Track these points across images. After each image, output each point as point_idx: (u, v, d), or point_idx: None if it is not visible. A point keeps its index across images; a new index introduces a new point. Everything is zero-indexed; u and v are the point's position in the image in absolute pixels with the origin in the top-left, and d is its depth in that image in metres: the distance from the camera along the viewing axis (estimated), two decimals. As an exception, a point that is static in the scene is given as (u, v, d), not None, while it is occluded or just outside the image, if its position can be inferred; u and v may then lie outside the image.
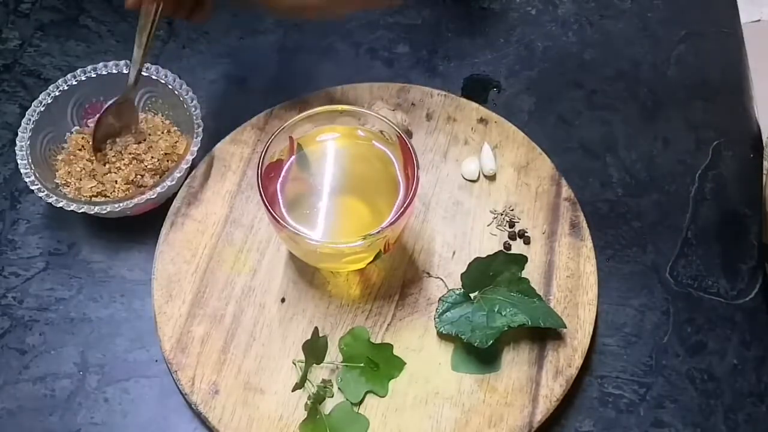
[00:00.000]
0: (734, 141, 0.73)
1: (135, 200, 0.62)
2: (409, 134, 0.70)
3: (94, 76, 0.68)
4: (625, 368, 0.62)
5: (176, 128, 0.70)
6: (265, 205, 0.55)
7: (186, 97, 0.67)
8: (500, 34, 0.80)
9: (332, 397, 0.58)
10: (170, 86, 0.67)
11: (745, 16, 0.81)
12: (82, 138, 0.68)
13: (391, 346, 0.60)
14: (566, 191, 0.68)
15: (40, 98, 0.66)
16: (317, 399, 0.58)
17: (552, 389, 0.59)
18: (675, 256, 0.67)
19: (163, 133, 0.69)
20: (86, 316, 0.64)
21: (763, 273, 0.66)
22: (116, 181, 0.66)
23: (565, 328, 0.60)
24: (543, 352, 0.60)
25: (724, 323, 0.64)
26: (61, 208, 0.62)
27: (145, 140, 0.68)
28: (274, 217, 0.55)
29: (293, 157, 0.60)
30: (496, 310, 0.59)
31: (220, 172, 0.68)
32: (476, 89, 0.76)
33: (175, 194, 0.67)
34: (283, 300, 0.63)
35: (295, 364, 0.60)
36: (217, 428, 0.57)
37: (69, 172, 0.66)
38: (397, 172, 0.60)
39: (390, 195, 0.59)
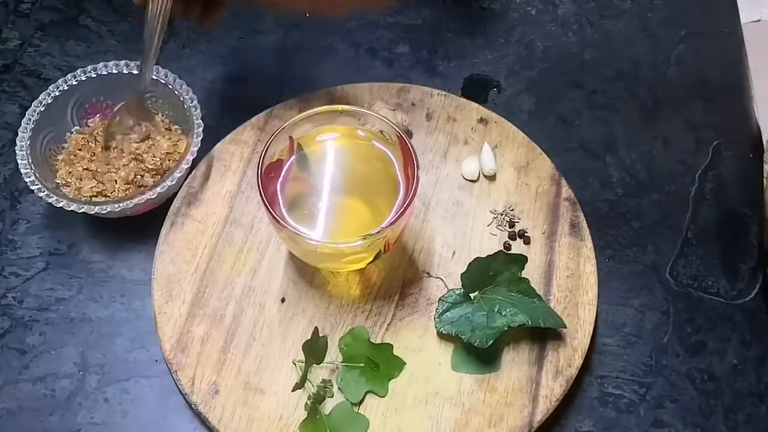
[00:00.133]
0: (734, 141, 0.73)
1: (135, 200, 0.62)
2: (409, 134, 0.70)
3: (94, 76, 0.68)
4: (625, 368, 0.62)
5: (176, 128, 0.70)
6: (265, 205, 0.55)
7: (186, 97, 0.67)
8: (500, 34, 0.80)
9: (332, 397, 0.59)
10: (170, 86, 0.68)
11: (745, 16, 0.81)
12: (82, 138, 0.68)
13: (391, 346, 0.60)
14: (566, 191, 0.68)
15: (40, 98, 0.66)
16: (317, 399, 0.58)
17: (552, 389, 0.59)
18: (675, 256, 0.67)
19: (163, 133, 0.69)
20: (86, 316, 0.64)
21: (763, 273, 0.66)
22: (116, 181, 0.66)
23: (565, 328, 0.60)
24: (543, 352, 0.60)
25: (724, 323, 0.64)
26: (61, 208, 0.62)
27: (145, 140, 0.68)
28: (274, 217, 0.55)
29: (293, 157, 0.60)
30: (496, 310, 0.59)
31: (220, 172, 0.68)
32: (476, 89, 0.76)
33: (175, 194, 0.67)
34: (283, 300, 0.63)
35: (295, 364, 0.60)
36: (217, 428, 0.57)
37: (69, 172, 0.66)
38: (397, 172, 0.60)
39: (390, 195, 0.59)
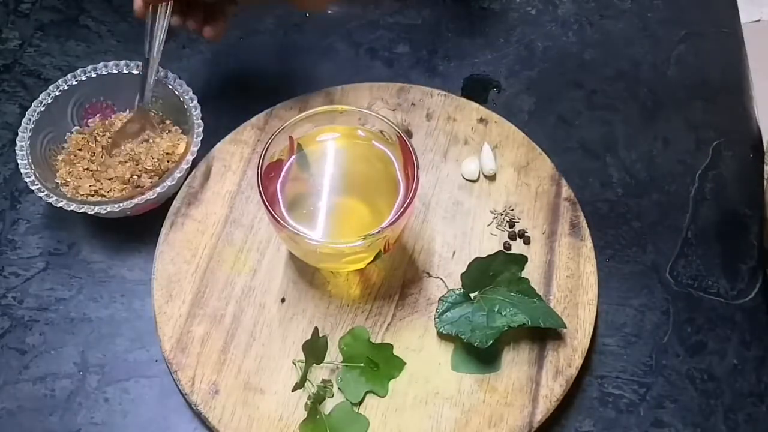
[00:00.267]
0: (734, 141, 0.73)
1: (135, 200, 0.62)
2: (409, 134, 0.70)
3: (94, 76, 0.68)
4: (625, 368, 0.62)
5: (176, 128, 0.70)
6: (265, 205, 0.55)
7: (186, 97, 0.67)
8: (500, 34, 0.80)
9: (332, 397, 0.59)
10: (170, 86, 0.68)
11: (745, 16, 0.81)
12: (82, 138, 0.68)
13: (391, 346, 0.60)
14: (566, 191, 0.68)
15: (40, 98, 0.66)
16: (317, 399, 0.58)
17: (552, 389, 0.59)
18: (675, 256, 0.67)
19: (163, 133, 0.69)
20: (86, 316, 0.64)
21: (763, 273, 0.66)
22: (116, 181, 0.66)
23: (565, 328, 0.60)
24: (543, 352, 0.60)
25: (724, 323, 0.64)
26: (61, 208, 0.62)
27: (145, 141, 0.68)
28: (274, 217, 0.55)
29: (293, 157, 0.60)
30: (496, 310, 0.59)
31: (220, 172, 0.68)
32: (476, 89, 0.76)
33: (175, 194, 0.67)
34: (283, 300, 0.63)
35: (295, 364, 0.60)
36: (217, 428, 0.57)
37: (69, 172, 0.66)
38: (397, 172, 0.60)
39: (390, 195, 0.59)
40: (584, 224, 0.66)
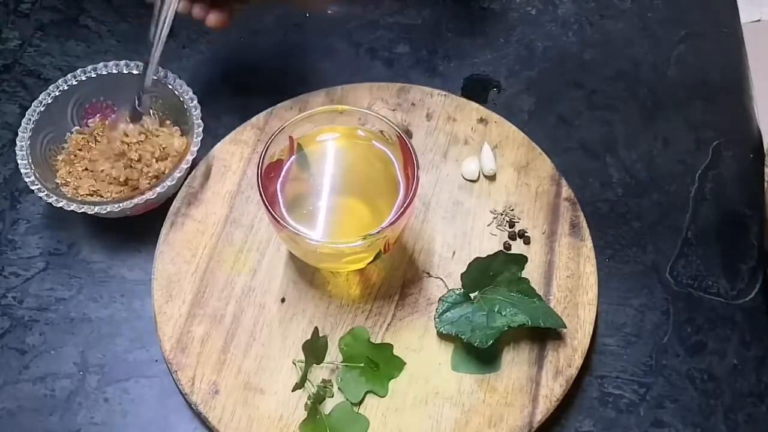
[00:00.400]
0: (734, 141, 0.73)
1: (135, 200, 0.62)
2: (409, 134, 0.70)
3: (94, 76, 0.68)
4: (625, 368, 0.62)
5: (176, 128, 0.70)
6: (265, 205, 0.55)
7: (186, 97, 0.67)
8: (500, 34, 0.80)
9: (332, 397, 0.58)
10: (170, 86, 0.67)
11: (745, 16, 0.81)
12: (82, 138, 0.68)
13: (391, 346, 0.60)
14: (566, 191, 0.68)
15: (40, 98, 0.66)
16: (317, 399, 0.58)
17: (552, 389, 0.59)
18: (675, 256, 0.67)
19: (163, 133, 0.69)
20: (86, 316, 0.64)
21: (763, 273, 0.66)
22: (114, 182, 0.66)
23: (565, 328, 0.60)
24: (543, 352, 0.60)
25: (724, 323, 0.64)
26: (61, 208, 0.62)
27: (145, 140, 0.68)
28: (274, 217, 0.55)
29: (293, 157, 0.60)
30: (496, 310, 0.59)
31: (220, 172, 0.68)
32: (476, 89, 0.76)
33: (175, 194, 0.67)
34: (283, 300, 0.63)
35: (295, 364, 0.60)
36: (217, 428, 0.57)
37: (69, 172, 0.66)
38: (397, 172, 0.60)
39: (390, 195, 0.59)
40: (584, 224, 0.66)
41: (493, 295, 0.60)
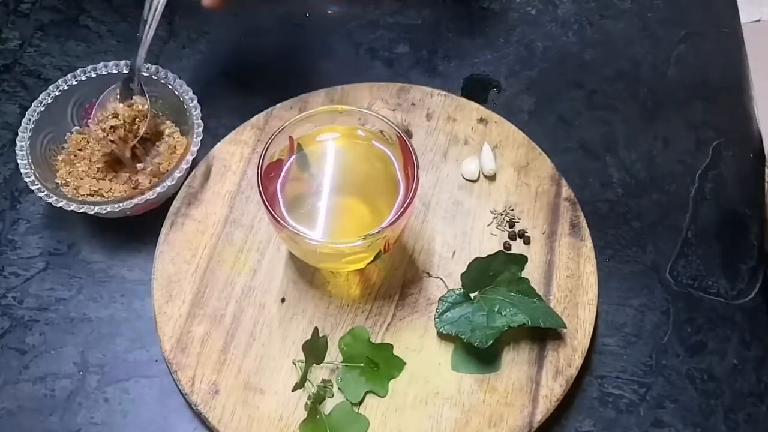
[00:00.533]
0: (734, 141, 0.73)
1: (135, 200, 0.62)
2: (409, 134, 0.70)
3: (94, 76, 0.68)
4: (625, 368, 0.62)
5: (176, 128, 0.70)
6: (265, 205, 0.55)
7: (186, 97, 0.67)
8: (500, 34, 0.80)
9: (332, 397, 0.59)
10: (170, 86, 0.68)
11: (745, 16, 0.81)
12: (82, 138, 0.68)
13: (391, 346, 0.60)
14: (566, 191, 0.68)
15: (40, 98, 0.66)
16: (317, 399, 0.58)
17: (552, 389, 0.59)
18: (675, 256, 0.67)
19: (162, 133, 0.69)
20: (86, 316, 0.64)
21: (763, 273, 0.66)
22: (115, 181, 0.66)
23: (565, 328, 0.60)
24: (543, 352, 0.60)
25: (724, 323, 0.64)
26: (61, 208, 0.62)
27: (146, 141, 0.68)
28: (274, 217, 0.55)
29: (293, 157, 0.60)
30: (496, 310, 0.59)
31: (220, 172, 0.68)
32: (476, 89, 0.76)
33: (175, 194, 0.67)
34: (283, 300, 0.63)
35: (295, 364, 0.60)
36: (217, 428, 0.57)
37: (69, 172, 0.66)
38: (397, 172, 0.60)
39: (390, 195, 0.59)
40: (584, 224, 0.66)
41: (493, 295, 0.60)
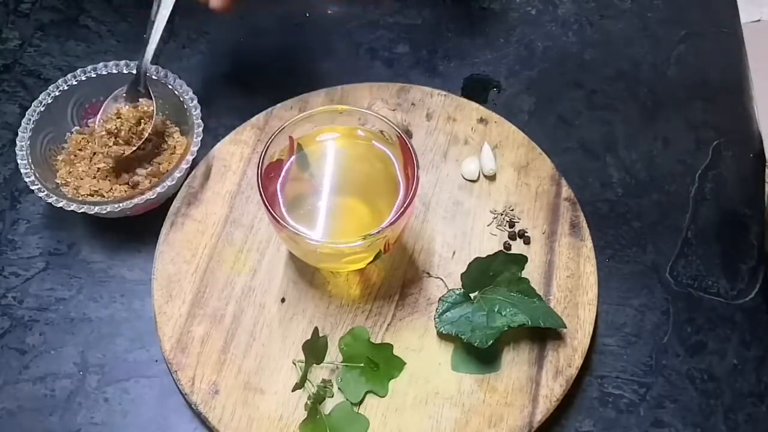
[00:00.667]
0: (734, 141, 0.73)
1: (135, 200, 0.62)
2: (409, 134, 0.70)
3: (94, 76, 0.68)
4: (625, 368, 0.62)
5: (176, 128, 0.70)
6: (265, 205, 0.55)
7: (186, 97, 0.67)
8: (500, 34, 0.80)
9: (332, 397, 0.58)
10: (170, 86, 0.68)
11: (745, 16, 0.81)
12: (82, 138, 0.68)
13: (391, 346, 0.60)
14: (566, 191, 0.68)
15: (40, 98, 0.66)
16: (317, 399, 0.58)
17: (552, 389, 0.59)
18: (675, 256, 0.67)
19: (162, 133, 0.69)
20: (86, 316, 0.64)
21: (763, 273, 0.66)
22: (115, 181, 0.66)
23: (565, 328, 0.60)
24: (543, 352, 0.60)
25: (724, 323, 0.64)
26: (61, 208, 0.62)
27: (147, 141, 0.68)
28: (274, 217, 0.55)
29: (293, 157, 0.60)
30: (496, 310, 0.59)
31: (220, 172, 0.68)
32: (476, 89, 0.76)
33: (175, 194, 0.67)
34: (283, 300, 0.63)
35: (295, 364, 0.60)
36: (217, 428, 0.57)
37: (69, 172, 0.66)
38: (397, 172, 0.60)
39: (390, 195, 0.59)
40: (584, 224, 0.66)
41: (493, 295, 0.60)
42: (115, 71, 0.68)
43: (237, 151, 0.70)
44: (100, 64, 0.68)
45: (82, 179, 0.66)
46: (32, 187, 0.62)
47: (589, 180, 0.71)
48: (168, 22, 0.65)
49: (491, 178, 0.69)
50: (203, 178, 0.68)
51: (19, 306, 0.64)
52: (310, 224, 0.58)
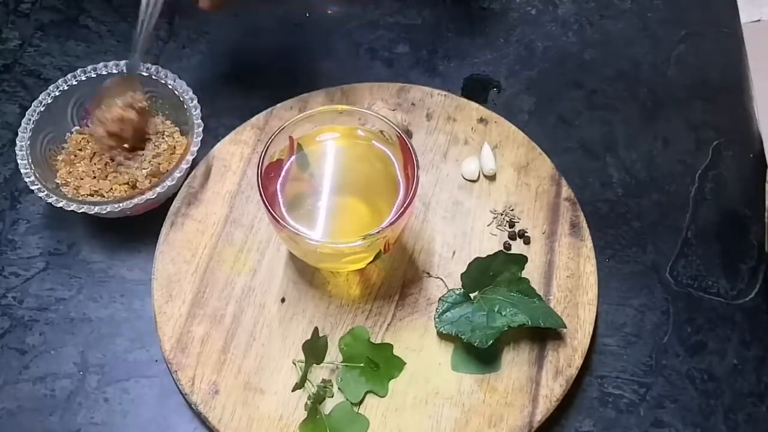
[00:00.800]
0: (734, 141, 0.73)
1: (135, 200, 0.62)
2: (409, 134, 0.70)
3: (94, 76, 0.68)
4: (625, 368, 0.62)
5: (176, 128, 0.70)
6: (265, 205, 0.55)
7: (186, 97, 0.67)
8: (500, 34, 0.80)
9: (332, 397, 0.58)
10: (170, 86, 0.68)
11: (745, 16, 0.81)
12: (82, 138, 0.68)
13: (391, 346, 0.60)
14: (566, 191, 0.68)
15: (40, 98, 0.66)
16: (317, 399, 0.58)
17: (552, 389, 0.59)
18: (675, 256, 0.67)
19: (162, 133, 0.69)
20: (86, 316, 0.64)
21: (763, 273, 0.66)
22: (115, 181, 0.66)
23: (565, 328, 0.60)
24: (543, 352, 0.60)
25: (724, 323, 0.64)
26: (61, 208, 0.62)
27: (146, 140, 0.68)
28: (274, 217, 0.55)
29: (293, 157, 0.60)
30: (496, 310, 0.59)
31: (220, 172, 0.68)
32: (476, 89, 0.76)
33: (175, 194, 0.67)
34: (283, 300, 0.63)
35: (295, 364, 0.60)
36: (217, 428, 0.57)
37: (69, 172, 0.66)
38: (397, 172, 0.60)
39: (390, 195, 0.59)
40: (584, 224, 0.66)
41: (493, 295, 0.60)
42: (115, 71, 0.68)
43: (237, 151, 0.70)
44: (100, 64, 0.68)
45: (82, 179, 0.66)
46: (32, 187, 0.62)
47: (589, 180, 0.71)
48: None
49: (491, 178, 0.69)
50: (203, 178, 0.68)
51: (19, 306, 0.64)
52: (310, 224, 0.58)
